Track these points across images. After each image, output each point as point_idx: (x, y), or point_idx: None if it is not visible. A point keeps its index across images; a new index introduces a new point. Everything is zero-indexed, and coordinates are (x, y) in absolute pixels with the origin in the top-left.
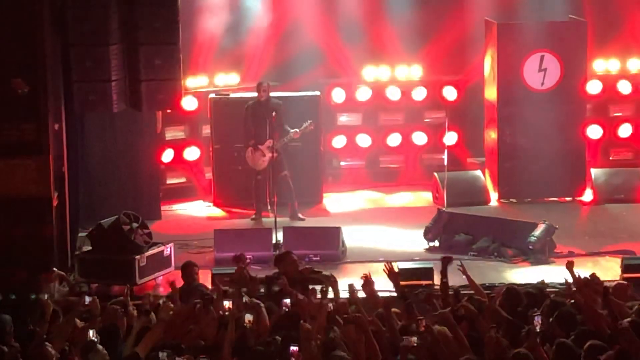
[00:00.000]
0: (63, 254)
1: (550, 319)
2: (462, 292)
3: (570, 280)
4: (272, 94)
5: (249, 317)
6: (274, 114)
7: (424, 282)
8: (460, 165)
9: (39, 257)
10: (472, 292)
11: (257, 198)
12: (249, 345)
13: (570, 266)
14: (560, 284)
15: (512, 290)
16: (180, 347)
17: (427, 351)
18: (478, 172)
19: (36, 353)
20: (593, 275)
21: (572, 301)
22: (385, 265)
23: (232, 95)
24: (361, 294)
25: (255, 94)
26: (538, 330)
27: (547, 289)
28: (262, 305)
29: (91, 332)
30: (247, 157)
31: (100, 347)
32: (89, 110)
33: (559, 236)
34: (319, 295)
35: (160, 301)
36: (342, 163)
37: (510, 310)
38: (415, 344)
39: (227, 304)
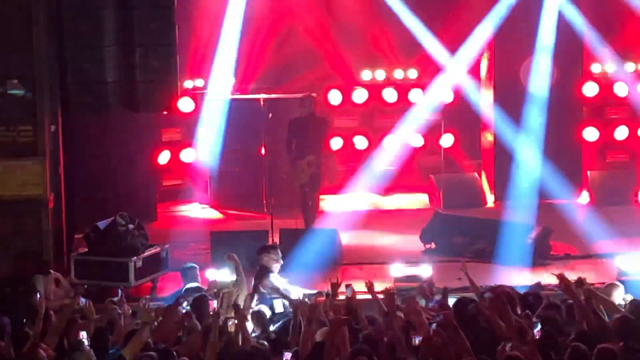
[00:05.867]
0: (59, 255)
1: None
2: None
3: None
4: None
5: (232, 323)
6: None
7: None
8: (456, 167)
9: (35, 258)
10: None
11: (304, 211)
12: (234, 351)
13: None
14: (557, 286)
15: (506, 293)
16: (168, 352)
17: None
18: (475, 174)
19: (29, 354)
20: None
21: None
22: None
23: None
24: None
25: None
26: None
27: (543, 291)
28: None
29: (83, 333)
30: (289, 172)
31: (87, 347)
32: (86, 112)
33: (555, 238)
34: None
35: (141, 303)
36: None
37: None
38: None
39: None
